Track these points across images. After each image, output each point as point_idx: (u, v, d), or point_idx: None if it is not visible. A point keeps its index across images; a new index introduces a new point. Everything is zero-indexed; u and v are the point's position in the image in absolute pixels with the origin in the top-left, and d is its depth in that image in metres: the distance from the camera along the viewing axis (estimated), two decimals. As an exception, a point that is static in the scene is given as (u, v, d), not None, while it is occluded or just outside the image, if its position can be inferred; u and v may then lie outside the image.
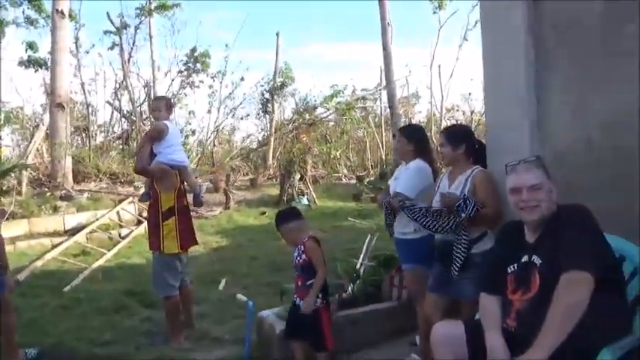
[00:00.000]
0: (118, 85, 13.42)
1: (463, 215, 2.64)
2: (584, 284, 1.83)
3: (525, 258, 2.13)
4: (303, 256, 3.05)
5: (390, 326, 3.61)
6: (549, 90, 2.67)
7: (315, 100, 14.50)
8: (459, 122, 13.15)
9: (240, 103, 14.34)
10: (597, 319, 1.85)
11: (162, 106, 3.96)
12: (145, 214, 7.93)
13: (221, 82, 13.95)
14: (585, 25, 2.52)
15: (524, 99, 2.70)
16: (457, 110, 16.16)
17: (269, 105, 14.16)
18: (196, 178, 10.36)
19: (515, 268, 2.15)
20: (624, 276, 2.16)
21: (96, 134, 13.22)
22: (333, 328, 3.23)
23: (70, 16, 10.72)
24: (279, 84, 14.01)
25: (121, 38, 12.61)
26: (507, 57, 2.80)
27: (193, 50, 13.17)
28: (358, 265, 4.61)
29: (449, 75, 14.81)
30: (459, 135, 2.98)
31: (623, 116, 2.42)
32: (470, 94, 15.34)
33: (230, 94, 14.13)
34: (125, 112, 13.50)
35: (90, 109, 13.18)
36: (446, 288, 2.83)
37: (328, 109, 14.30)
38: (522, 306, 2.05)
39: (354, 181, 12.64)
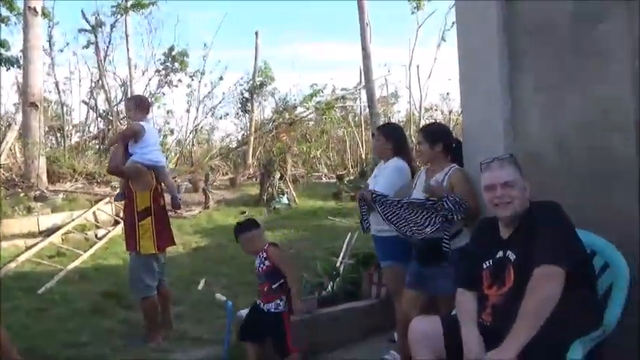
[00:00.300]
0: (93, 84, 13.21)
1: (456, 216, 2.68)
2: (556, 278, 1.88)
3: (500, 254, 2.17)
4: (267, 263, 3.10)
5: (369, 323, 3.64)
6: (523, 90, 2.72)
7: (295, 100, 14.53)
8: (437, 121, 13.30)
9: (219, 103, 14.28)
10: (569, 313, 1.89)
11: (132, 105, 3.93)
12: (122, 214, 7.82)
13: (200, 82, 13.87)
14: (557, 26, 2.58)
15: (498, 98, 2.75)
16: (436, 110, 16.39)
17: (248, 104, 14.10)
18: (175, 178, 10.30)
19: (490, 263, 2.19)
20: (595, 270, 2.23)
21: (71, 134, 12.97)
22: (313, 325, 3.25)
23: (44, 13, 10.50)
24: (258, 83, 13.96)
25: (96, 37, 12.42)
26: (482, 56, 2.84)
27: (171, 49, 13.04)
28: (338, 264, 4.63)
29: (427, 75, 15.01)
30: (436, 133, 3.02)
31: (594, 116, 2.48)
32: (448, 93, 15.56)
33: (209, 93, 14.07)
34: (101, 111, 13.29)
35: (65, 108, 12.96)
36: (423, 284, 2.86)
37: (308, 109, 14.31)
38: (497, 301, 2.09)
39: (334, 180, 12.67)
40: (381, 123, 13.08)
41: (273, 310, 3.07)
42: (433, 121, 14.41)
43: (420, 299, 2.92)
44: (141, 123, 3.81)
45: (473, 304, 2.18)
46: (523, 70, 2.72)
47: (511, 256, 2.12)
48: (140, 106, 3.94)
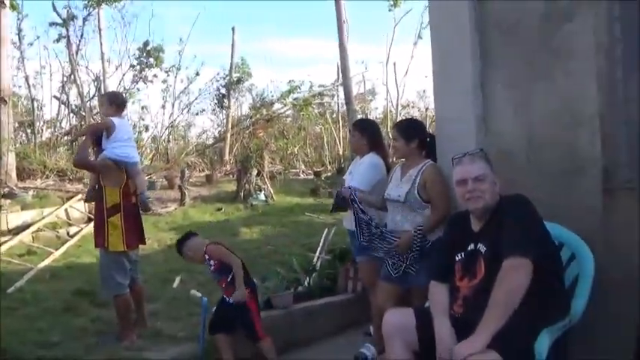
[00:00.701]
0: (65, 79, 12.88)
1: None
2: (523, 270, 1.93)
3: (471, 246, 2.22)
4: (212, 262, 3.24)
5: (346, 317, 3.68)
6: (494, 87, 2.78)
7: (272, 96, 14.46)
8: (412, 117, 13.45)
9: (196, 99, 14.10)
10: (536, 303, 1.96)
11: (105, 101, 3.87)
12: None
13: (175, 77, 13.68)
14: (527, 25, 2.64)
15: (470, 94, 2.80)
16: (412, 107, 16.53)
17: (225, 100, 13.97)
18: (150, 175, 10.16)
19: (462, 256, 2.24)
20: (562, 262, 2.30)
21: (42, 130, 12.64)
22: (290, 320, 3.28)
23: (12, 6, 10.20)
24: (235, 79, 13.85)
25: (67, 30, 12.08)
26: (455, 54, 2.89)
27: (146, 44, 12.81)
28: (315, 259, 4.66)
29: (404, 72, 15.13)
30: (411, 129, 3.06)
31: (561, 113, 2.55)
32: (424, 91, 15.70)
33: (185, 89, 13.88)
34: (74, 106, 12.97)
35: (35, 103, 12.59)
36: (397, 277, 2.91)
37: (285, 105, 14.26)
38: (468, 292, 2.14)
39: (311, 177, 12.69)
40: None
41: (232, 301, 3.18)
42: (409, 117, 14.60)
43: (395, 292, 2.96)
44: (112, 119, 3.74)
45: (445, 296, 2.22)
46: (494, 68, 2.78)
47: (482, 248, 2.17)
48: (114, 102, 3.87)
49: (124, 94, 4.11)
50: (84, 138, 3.74)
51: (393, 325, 2.24)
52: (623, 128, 2.38)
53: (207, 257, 3.26)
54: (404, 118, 14.33)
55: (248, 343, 3.17)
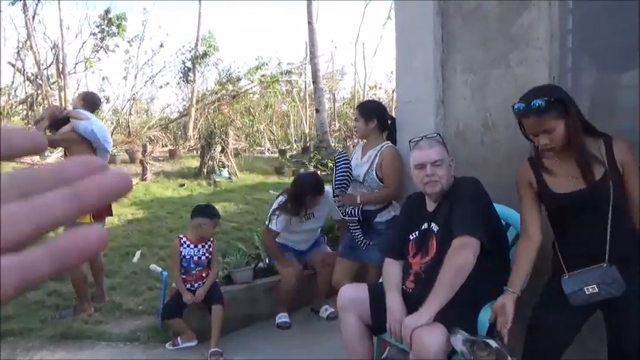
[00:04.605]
0: (21, 45, 12.28)
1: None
2: (471, 248, 2.03)
3: (425, 225, 2.31)
4: (207, 254, 3.32)
5: (302, 293, 3.74)
6: (453, 70, 2.86)
7: (239, 72, 14.23)
8: (380, 100, 13.53)
9: (160, 71, 13.71)
10: (482, 279, 2.06)
11: (77, 100, 3.96)
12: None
13: (139, 48, 13.24)
14: (486, 11, 2.71)
15: (431, 77, 2.87)
16: (379, 88, 16.61)
17: (190, 74, 13.66)
18: (113, 147, 9.88)
19: (416, 234, 2.33)
20: (508, 241, 2.42)
21: (-4, 98, 12.07)
22: (251, 295, 3.37)
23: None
24: (201, 53, 13.53)
25: (23, -7, 11.48)
26: (417, 37, 2.94)
27: (107, 11, 12.32)
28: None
29: (373, 53, 15.16)
30: (371, 110, 3.12)
31: (515, 97, 2.64)
32: (392, 72, 15.78)
33: (148, 60, 13.46)
34: (30, 74, 12.41)
35: (-12, 69, 11.98)
36: (355, 254, 3.00)
37: (252, 82, 14.08)
38: (420, 269, 2.24)
39: (276, 155, 12.66)
40: (326, 99, 13.21)
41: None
42: (377, 99, 14.69)
43: (352, 267, 3.05)
44: (85, 113, 3.73)
45: (398, 273, 2.31)
46: (454, 52, 2.86)
47: (434, 227, 2.27)
48: (85, 101, 3.89)
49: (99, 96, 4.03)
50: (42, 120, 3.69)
51: (348, 299, 2.32)
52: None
53: (207, 245, 3.32)
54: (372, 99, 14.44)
55: (195, 315, 3.27)
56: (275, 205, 3.51)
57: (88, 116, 3.70)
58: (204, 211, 3.32)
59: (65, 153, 3.68)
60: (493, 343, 1.75)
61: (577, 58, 2.52)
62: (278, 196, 3.61)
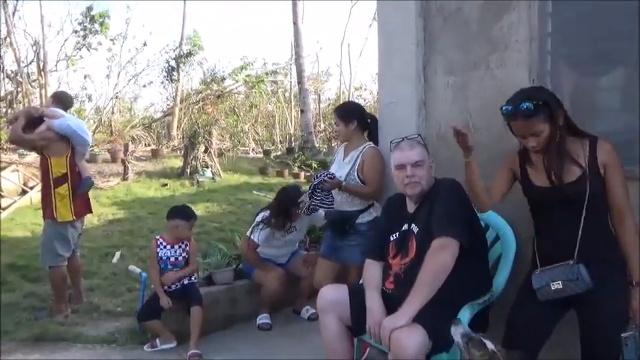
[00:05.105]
0: (0, 42, 12.03)
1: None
2: (450, 250, 2.03)
3: (405, 227, 2.31)
4: (184, 254, 3.29)
5: (284, 294, 3.72)
6: (435, 72, 2.87)
7: (224, 72, 14.14)
8: (365, 102, 13.58)
9: (143, 70, 13.55)
10: (461, 280, 2.07)
11: (49, 101, 3.94)
12: (30, 183, 7.33)
13: (122, 46, 13.07)
14: (468, 13, 2.73)
15: (413, 78, 2.88)
16: (365, 89, 16.65)
17: (174, 73, 13.53)
18: (92, 147, 9.73)
19: (397, 236, 2.32)
20: (487, 242, 2.44)
21: (-27, 95, 11.80)
22: (232, 296, 3.38)
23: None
24: (185, 52, 13.41)
25: (3, -12, 11.25)
26: (399, 39, 2.94)
27: (90, 9, 12.14)
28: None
29: (358, 54, 15.18)
30: (350, 112, 3.11)
31: (495, 99, 2.65)
32: (377, 73, 15.78)
33: (132, 59, 13.29)
34: (9, 72, 12.16)
35: (-34, 66, 11.71)
36: (336, 254, 2.99)
37: (237, 82, 14.00)
38: (400, 270, 2.23)
39: (260, 155, 12.61)
40: (311, 100, 13.21)
41: (187, 282, 3.30)
42: (362, 101, 14.72)
43: (332, 269, 3.04)
44: (61, 112, 3.72)
45: (378, 273, 2.31)
46: (436, 54, 2.86)
47: (415, 228, 2.26)
48: (56, 100, 3.86)
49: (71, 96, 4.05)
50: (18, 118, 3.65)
51: (328, 301, 2.31)
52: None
53: (183, 245, 3.28)
54: (357, 101, 14.48)
55: (174, 316, 3.23)
56: (259, 219, 3.51)
57: (62, 114, 3.67)
58: (181, 212, 3.29)
59: (42, 153, 3.61)
60: (490, 345, 1.73)
61: (556, 60, 2.55)
62: (259, 212, 3.61)
